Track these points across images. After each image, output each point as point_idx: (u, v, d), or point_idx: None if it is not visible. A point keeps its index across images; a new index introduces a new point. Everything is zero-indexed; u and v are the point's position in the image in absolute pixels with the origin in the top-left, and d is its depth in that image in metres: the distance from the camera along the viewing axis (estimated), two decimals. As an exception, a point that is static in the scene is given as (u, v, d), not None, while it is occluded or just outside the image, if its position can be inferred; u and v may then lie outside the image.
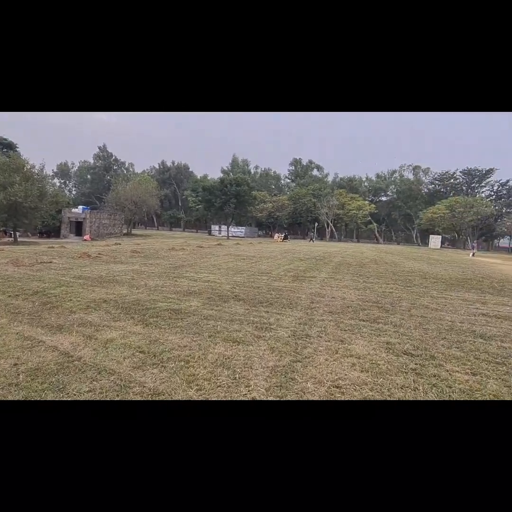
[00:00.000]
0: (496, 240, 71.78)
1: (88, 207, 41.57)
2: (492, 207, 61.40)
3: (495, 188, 69.57)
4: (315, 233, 66.71)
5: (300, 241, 50.78)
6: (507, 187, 67.14)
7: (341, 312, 5.82)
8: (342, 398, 2.84)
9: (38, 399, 2.70)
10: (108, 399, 2.73)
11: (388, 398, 2.85)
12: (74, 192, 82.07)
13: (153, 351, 3.68)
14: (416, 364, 3.53)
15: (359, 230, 72.89)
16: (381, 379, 3.19)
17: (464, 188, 71.93)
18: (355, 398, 2.84)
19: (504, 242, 72.55)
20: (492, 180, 69.63)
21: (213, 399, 2.80)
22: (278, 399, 2.79)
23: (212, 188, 48.16)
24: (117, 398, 2.74)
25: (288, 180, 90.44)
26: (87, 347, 3.73)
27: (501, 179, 68.88)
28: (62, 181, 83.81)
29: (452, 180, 73.48)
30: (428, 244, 59.00)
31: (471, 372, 3.37)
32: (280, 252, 20.43)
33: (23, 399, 2.68)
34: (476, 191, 71.36)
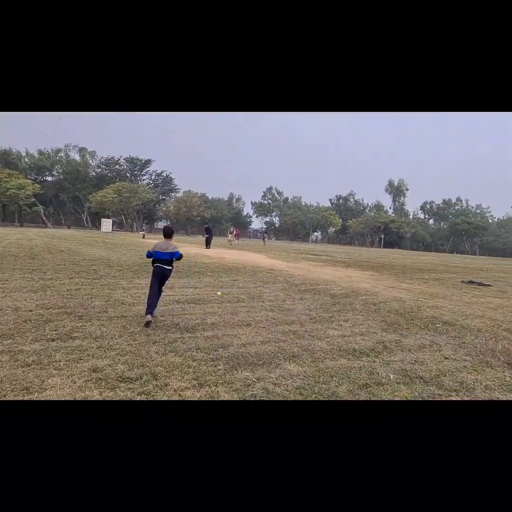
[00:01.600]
0: (156, 223, 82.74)
1: None
2: (152, 194, 69.85)
3: (153, 177, 79.34)
4: None
5: None
6: (162, 176, 78.25)
7: (17, 332, 4.17)
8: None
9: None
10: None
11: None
12: None
13: None
14: (139, 393, 2.82)
15: (22, 212, 62.27)
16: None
17: (128, 175, 77.20)
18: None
19: (162, 224, 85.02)
20: (150, 170, 78.88)
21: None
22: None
23: None
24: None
25: None
26: None
27: (157, 170, 79.30)
28: None
29: (117, 166, 76.92)
30: (100, 228, 59.00)
31: (198, 384, 3.03)
32: None
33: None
34: (138, 178, 78.55)
